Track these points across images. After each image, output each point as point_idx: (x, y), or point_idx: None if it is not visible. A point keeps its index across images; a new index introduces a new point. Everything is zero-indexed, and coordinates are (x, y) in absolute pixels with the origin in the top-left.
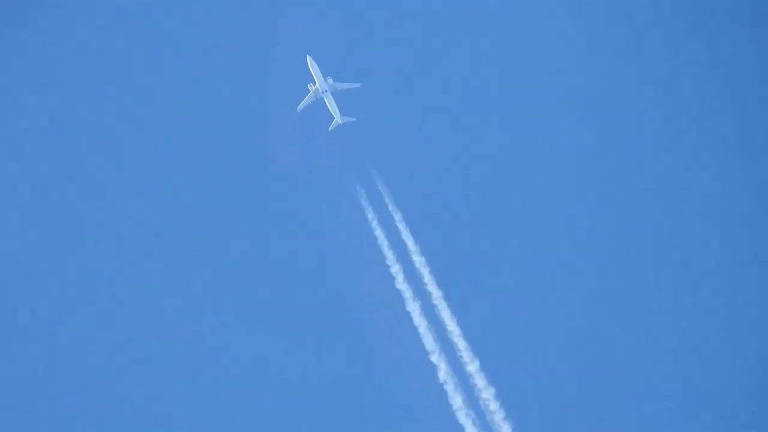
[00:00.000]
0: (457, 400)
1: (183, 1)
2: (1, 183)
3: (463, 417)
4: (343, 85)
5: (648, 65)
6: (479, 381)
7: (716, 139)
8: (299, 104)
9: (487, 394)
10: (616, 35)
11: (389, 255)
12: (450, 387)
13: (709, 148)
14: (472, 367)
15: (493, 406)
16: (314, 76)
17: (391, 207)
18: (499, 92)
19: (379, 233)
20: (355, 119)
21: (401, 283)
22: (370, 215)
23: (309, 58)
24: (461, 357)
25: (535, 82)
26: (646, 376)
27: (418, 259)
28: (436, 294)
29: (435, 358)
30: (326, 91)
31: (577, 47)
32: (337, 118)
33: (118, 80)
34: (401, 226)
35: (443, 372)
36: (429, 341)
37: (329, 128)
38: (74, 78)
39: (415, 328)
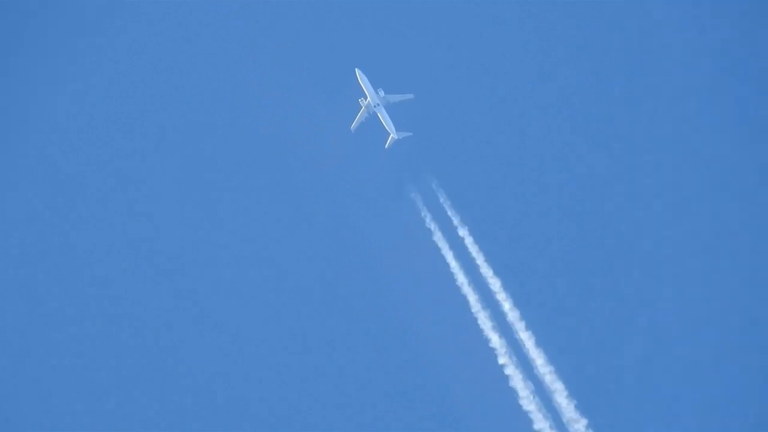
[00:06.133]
0: None
1: (225, 25)
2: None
3: None
4: (395, 97)
5: None
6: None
7: None
8: (352, 123)
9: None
10: None
11: (459, 274)
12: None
13: None
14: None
15: None
16: (364, 90)
17: (456, 221)
18: (557, 97)
19: (444, 246)
20: (411, 134)
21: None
22: (434, 230)
23: (358, 71)
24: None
25: (597, 86)
26: None
27: (487, 273)
28: (507, 306)
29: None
30: (378, 104)
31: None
32: (393, 134)
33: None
34: (470, 245)
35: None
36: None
37: (386, 146)
38: None
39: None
